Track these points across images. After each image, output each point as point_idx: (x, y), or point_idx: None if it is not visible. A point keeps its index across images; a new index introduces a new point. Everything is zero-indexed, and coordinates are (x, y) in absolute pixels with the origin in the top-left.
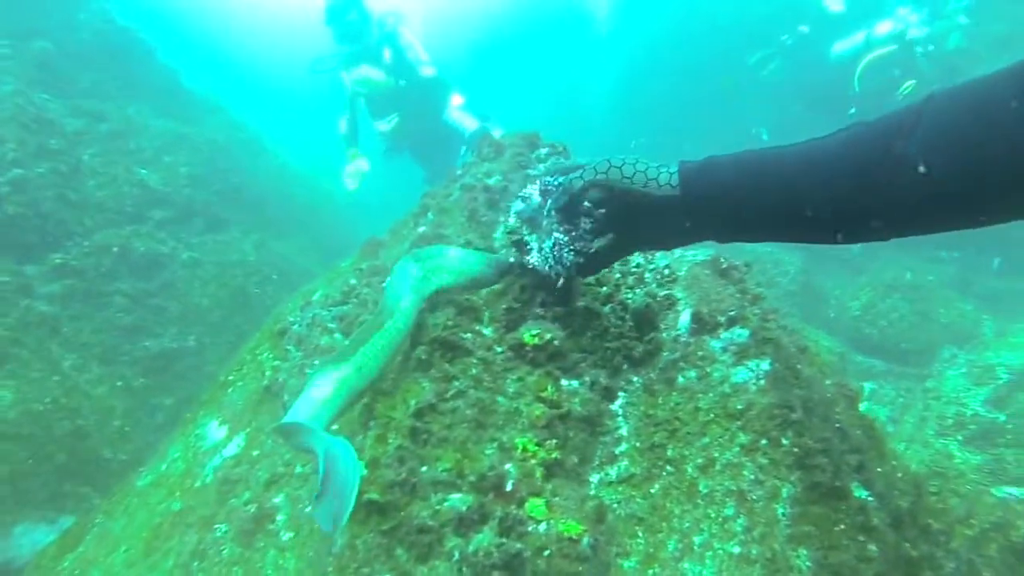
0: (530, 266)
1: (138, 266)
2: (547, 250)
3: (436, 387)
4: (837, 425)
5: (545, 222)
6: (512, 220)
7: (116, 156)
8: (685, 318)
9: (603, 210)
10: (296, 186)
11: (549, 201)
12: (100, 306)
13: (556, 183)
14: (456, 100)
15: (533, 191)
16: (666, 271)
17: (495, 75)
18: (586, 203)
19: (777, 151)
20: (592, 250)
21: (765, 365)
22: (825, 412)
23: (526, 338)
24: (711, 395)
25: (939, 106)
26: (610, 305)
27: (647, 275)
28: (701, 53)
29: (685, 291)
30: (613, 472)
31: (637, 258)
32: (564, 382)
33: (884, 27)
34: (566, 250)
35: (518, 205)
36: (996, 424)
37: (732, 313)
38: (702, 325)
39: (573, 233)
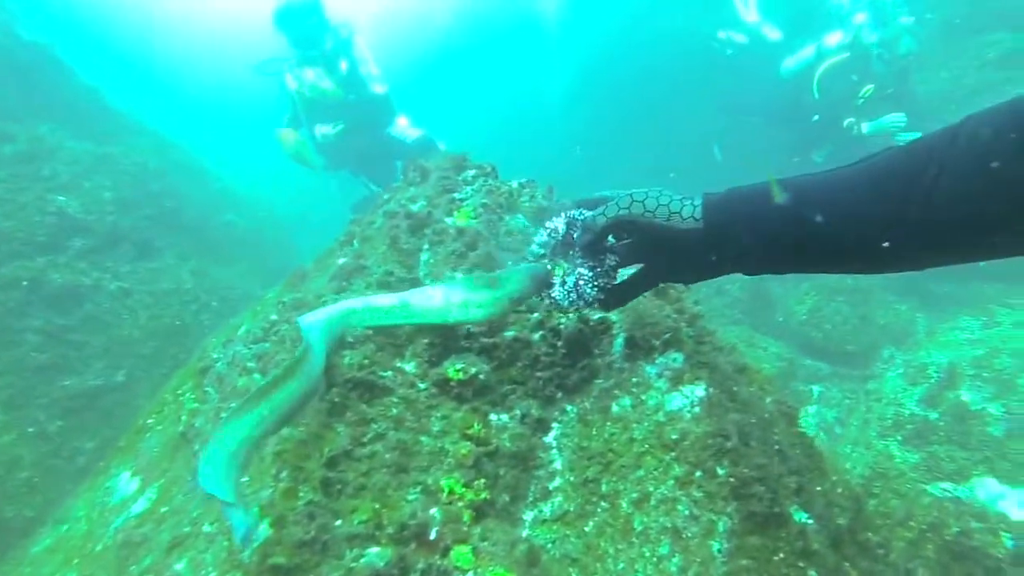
0: (550, 300)
1: (54, 299)
2: (570, 285)
3: (352, 431)
4: (776, 447)
5: (570, 256)
6: (536, 248)
7: (25, 182)
8: (619, 343)
9: (627, 243)
10: (238, 207)
11: (575, 235)
12: (7, 345)
13: (581, 217)
14: (402, 121)
15: (559, 223)
16: None
17: (443, 86)
18: (610, 239)
19: (801, 179)
20: (615, 284)
21: (700, 391)
22: (764, 435)
23: (450, 373)
24: (646, 424)
25: (971, 132)
26: (541, 332)
27: None
28: (649, 61)
29: (620, 314)
30: (547, 509)
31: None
32: (493, 417)
33: (833, 38)
34: (589, 285)
35: (542, 236)
36: (929, 422)
37: (667, 336)
38: (636, 350)
39: (597, 269)
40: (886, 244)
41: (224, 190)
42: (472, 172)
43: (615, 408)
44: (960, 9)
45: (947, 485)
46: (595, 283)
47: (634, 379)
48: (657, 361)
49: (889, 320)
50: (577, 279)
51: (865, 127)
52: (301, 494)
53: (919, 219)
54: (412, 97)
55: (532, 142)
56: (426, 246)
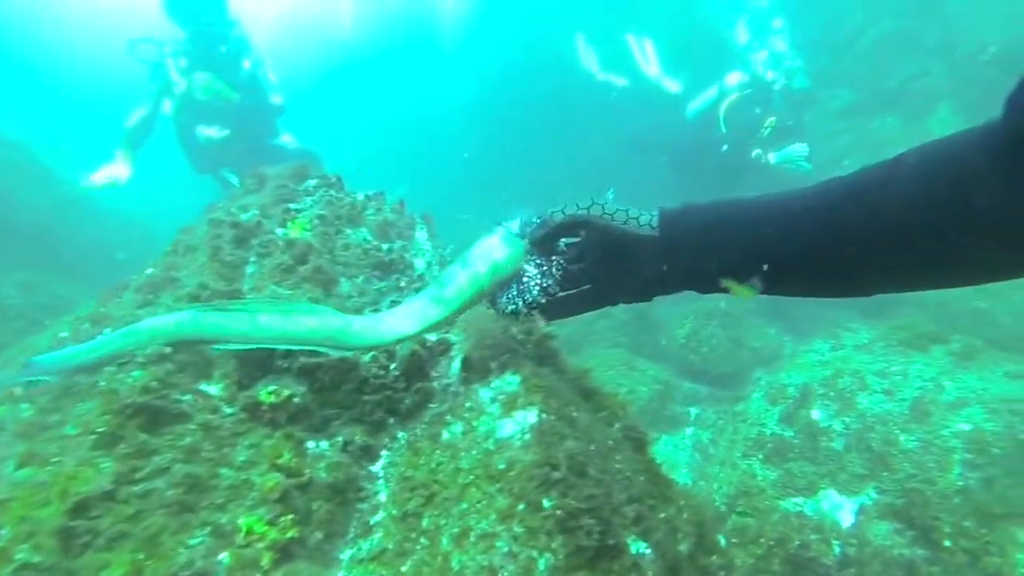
0: (488, 299)
1: None
2: (514, 283)
3: (120, 467)
4: (617, 476)
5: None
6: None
7: None
8: (457, 365)
9: (578, 242)
10: (87, 213)
11: (527, 232)
12: None
13: (538, 218)
14: (285, 138)
15: (513, 224)
16: None
17: (340, 97)
18: (562, 242)
19: (756, 198)
20: (559, 295)
21: (532, 417)
22: (603, 463)
23: (262, 396)
24: (474, 453)
25: (910, 162)
26: (372, 353)
27: None
28: (542, 89)
29: (462, 333)
30: (366, 547)
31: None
32: (310, 444)
33: (734, 77)
34: (533, 284)
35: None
36: (785, 440)
37: (505, 358)
38: (472, 372)
39: (544, 269)
40: (841, 254)
41: (72, 194)
42: (314, 182)
43: (445, 435)
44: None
45: (798, 499)
46: (540, 283)
47: (468, 403)
48: (492, 384)
49: (759, 343)
50: (521, 275)
51: (772, 157)
52: (17, 555)
53: (864, 227)
54: (305, 108)
55: (427, 154)
56: (252, 258)
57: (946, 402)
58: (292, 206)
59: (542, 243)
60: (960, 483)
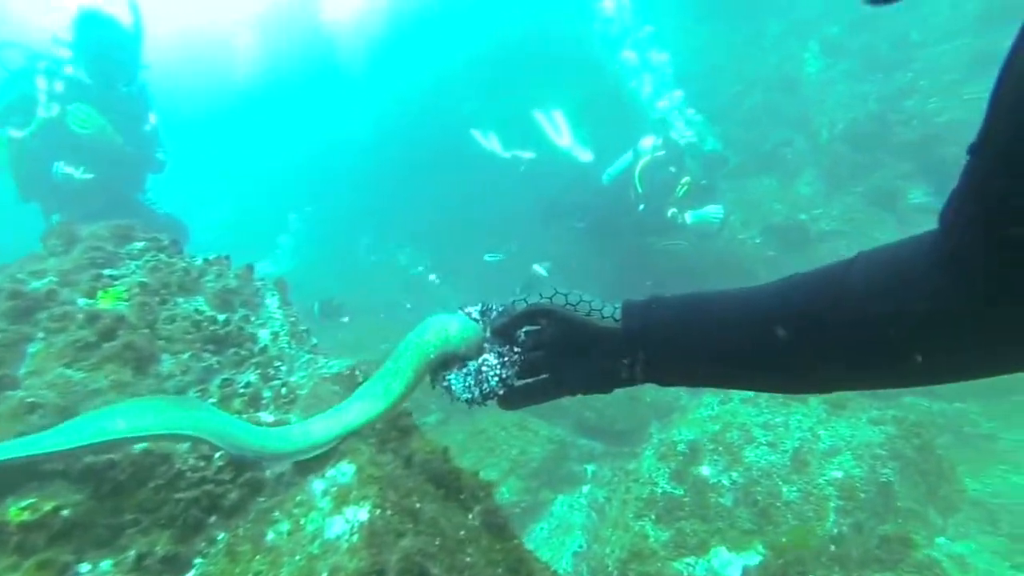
0: (444, 386)
1: None
2: (471, 370)
3: None
4: (467, 572)
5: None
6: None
7: None
8: None
9: (538, 331)
10: None
11: (489, 320)
12: None
13: (499, 305)
14: None
15: (472, 310)
16: (284, 390)
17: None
18: (523, 331)
19: (721, 291)
20: (518, 384)
21: (363, 514)
22: (451, 559)
23: (11, 514)
24: (298, 558)
25: (866, 260)
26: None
27: (265, 393)
28: (445, 150)
29: (303, 414)
30: None
31: (248, 375)
32: (83, 568)
33: (647, 141)
34: (493, 374)
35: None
36: (676, 498)
37: (340, 446)
38: (307, 460)
39: (504, 359)
40: (793, 341)
41: None
42: (140, 244)
43: (270, 536)
44: None
45: (690, 559)
46: (499, 373)
47: (299, 497)
48: (327, 474)
49: (655, 398)
50: (480, 365)
51: (688, 217)
52: None
53: (823, 322)
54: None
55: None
56: (41, 334)
57: (821, 451)
58: (107, 272)
59: (503, 331)
60: (835, 531)
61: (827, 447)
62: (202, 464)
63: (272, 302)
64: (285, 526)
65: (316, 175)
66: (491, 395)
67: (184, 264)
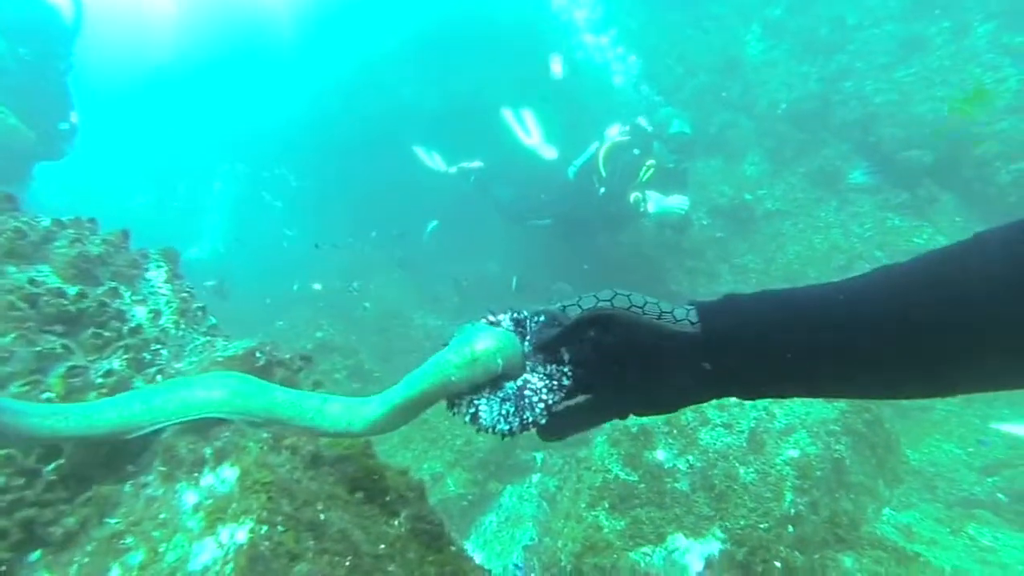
0: (467, 413)
1: None
2: (508, 394)
3: None
4: None
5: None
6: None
7: None
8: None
9: (599, 343)
10: None
11: (529, 333)
12: None
13: (539, 312)
14: None
15: (503, 316)
16: (161, 377)
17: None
18: (586, 338)
19: (805, 288)
20: (563, 406)
21: (243, 533)
22: None
23: None
24: None
25: (992, 242)
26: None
27: (136, 383)
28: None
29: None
30: None
31: (112, 361)
32: None
33: (613, 130)
34: (536, 400)
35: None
36: (630, 485)
37: (219, 444)
38: (177, 464)
39: (552, 382)
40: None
41: None
42: None
43: (115, 570)
44: None
45: (647, 549)
46: (545, 399)
47: (163, 514)
48: (201, 483)
49: None
50: (521, 388)
51: (652, 206)
52: None
53: (950, 320)
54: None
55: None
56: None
57: (777, 430)
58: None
59: (552, 346)
60: (792, 511)
61: (783, 426)
62: (19, 483)
63: (157, 275)
64: (137, 557)
65: (246, 155)
66: (532, 425)
67: (18, 224)
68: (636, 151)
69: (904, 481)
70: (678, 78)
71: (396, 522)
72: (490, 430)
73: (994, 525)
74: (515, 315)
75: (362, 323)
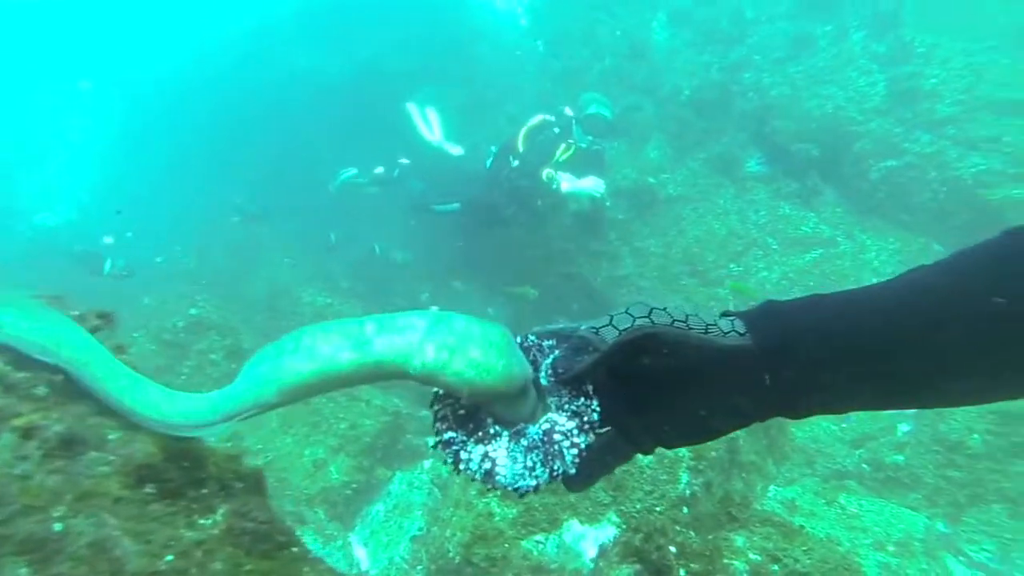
0: (473, 468)
1: None
2: (534, 440)
3: None
4: None
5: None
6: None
7: None
8: None
9: (644, 368)
10: None
11: (545, 363)
12: None
13: (553, 333)
14: None
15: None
16: None
17: None
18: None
19: (857, 294)
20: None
21: None
22: None
23: None
24: None
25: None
26: None
27: None
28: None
29: None
30: None
31: None
32: None
33: (536, 119)
34: (566, 444)
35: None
36: None
37: None
38: None
39: (584, 421)
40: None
41: None
42: None
43: None
44: None
45: (540, 537)
46: (578, 442)
47: None
48: None
49: None
50: (549, 431)
51: (566, 186)
52: None
53: None
54: None
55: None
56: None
57: None
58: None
59: (583, 379)
60: (687, 492)
61: None
62: None
63: None
64: None
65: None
66: (558, 476)
67: None
68: (556, 129)
69: (789, 458)
70: (585, 60)
71: (208, 521)
72: (509, 488)
73: (859, 494)
74: (526, 342)
75: (247, 300)
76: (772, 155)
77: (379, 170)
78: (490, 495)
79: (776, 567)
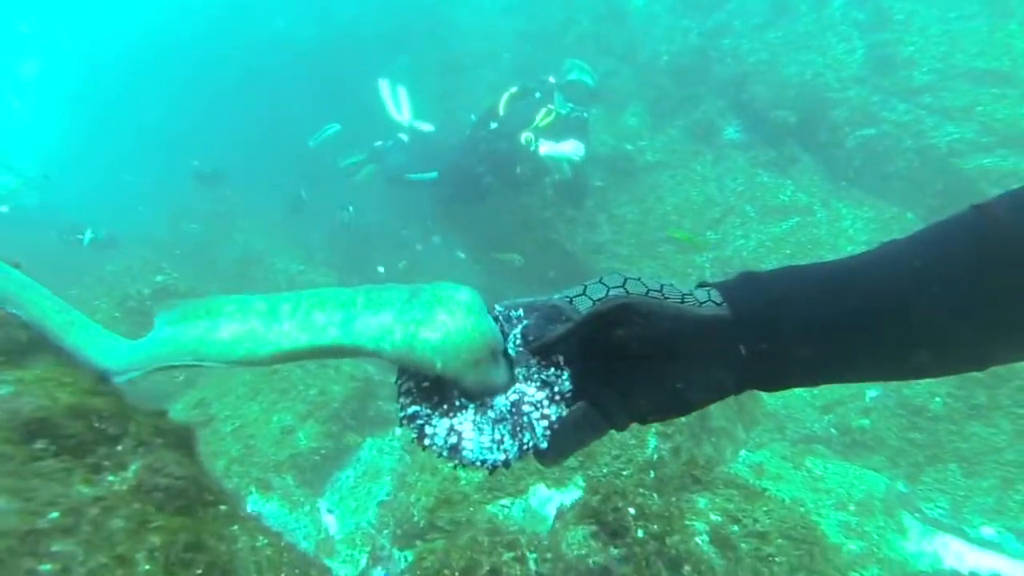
0: (439, 443)
1: None
2: (502, 411)
3: None
4: None
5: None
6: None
7: None
8: None
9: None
10: None
11: (513, 332)
12: None
13: (524, 305)
14: None
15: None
16: None
17: None
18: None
19: (822, 263)
20: (561, 421)
21: None
22: None
23: None
24: None
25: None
26: None
27: None
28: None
29: None
30: None
31: None
32: None
33: (516, 88)
34: (535, 416)
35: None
36: None
37: None
38: None
39: (554, 391)
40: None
41: None
42: None
43: None
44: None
45: (506, 501)
46: (548, 415)
47: None
48: None
49: None
50: (517, 402)
51: (544, 149)
52: None
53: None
54: None
55: None
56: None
57: None
58: None
59: (555, 347)
60: (655, 456)
61: None
62: None
63: None
64: None
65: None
66: (531, 450)
67: None
68: (538, 94)
69: (760, 423)
70: (561, 23)
71: (115, 478)
72: (477, 463)
73: (826, 457)
74: (502, 311)
75: (217, 268)
76: (750, 122)
77: (379, 143)
78: None
79: (736, 527)
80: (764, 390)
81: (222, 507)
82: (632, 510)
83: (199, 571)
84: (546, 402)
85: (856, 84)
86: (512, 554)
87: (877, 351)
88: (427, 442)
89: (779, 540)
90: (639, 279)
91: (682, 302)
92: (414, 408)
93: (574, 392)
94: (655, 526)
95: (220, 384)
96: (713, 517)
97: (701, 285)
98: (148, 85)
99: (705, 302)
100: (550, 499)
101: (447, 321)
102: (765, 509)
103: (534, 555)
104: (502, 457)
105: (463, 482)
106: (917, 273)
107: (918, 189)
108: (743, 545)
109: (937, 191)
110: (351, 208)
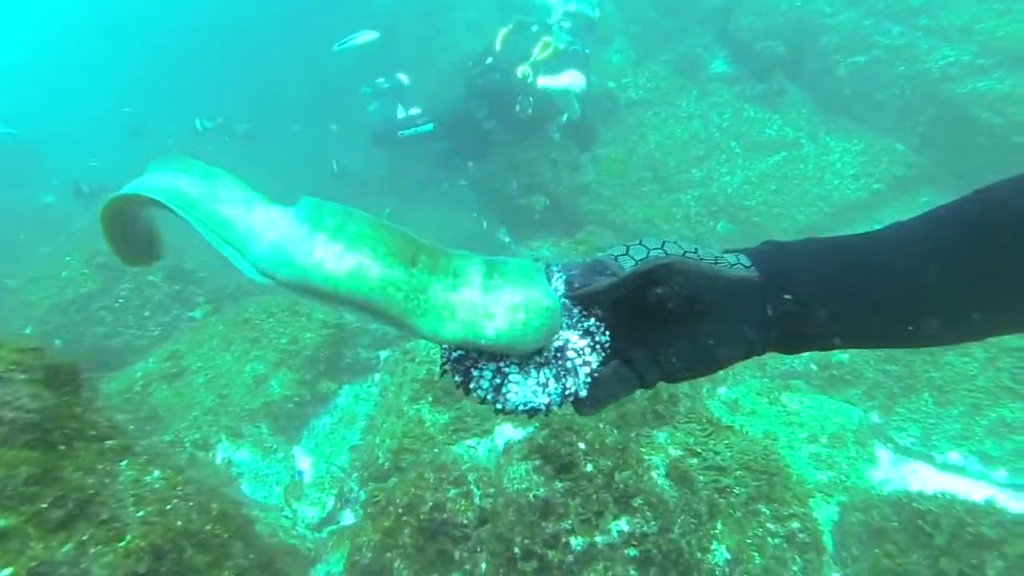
0: (495, 391)
1: None
2: (547, 355)
3: None
4: None
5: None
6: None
7: None
8: None
9: (659, 298)
10: None
11: (560, 278)
12: None
13: (579, 267)
14: None
15: (557, 282)
16: None
17: None
18: (657, 292)
19: (860, 237)
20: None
21: None
22: None
23: None
24: None
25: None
26: None
27: None
28: None
29: None
30: None
31: None
32: None
33: (512, 25)
34: (579, 364)
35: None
36: None
37: None
38: None
39: (596, 340)
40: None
41: None
42: None
43: None
44: None
45: (472, 441)
46: (589, 362)
47: None
48: None
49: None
50: (562, 348)
51: (542, 82)
52: None
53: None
54: None
55: None
56: None
57: None
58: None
59: (597, 298)
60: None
61: None
62: None
63: None
64: None
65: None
66: (572, 397)
67: None
68: (535, 27)
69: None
70: None
71: None
72: (519, 407)
73: (803, 392)
74: (566, 272)
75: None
76: (737, 54)
77: (381, 80)
78: (421, 402)
79: (695, 460)
80: (784, 352)
81: (108, 442)
82: (582, 444)
83: (44, 505)
84: (588, 350)
85: (849, 7)
86: (457, 490)
87: (888, 316)
88: (472, 384)
89: (738, 472)
90: (676, 241)
91: (715, 263)
92: (460, 351)
93: (616, 346)
94: (608, 461)
95: (194, 336)
96: (672, 451)
97: (727, 251)
98: (132, 39)
99: (735, 264)
100: (519, 437)
101: (520, 318)
102: (726, 442)
103: (479, 491)
104: (546, 401)
105: (428, 424)
106: (928, 248)
107: (908, 117)
108: (700, 478)
109: (928, 119)
110: (335, 163)
